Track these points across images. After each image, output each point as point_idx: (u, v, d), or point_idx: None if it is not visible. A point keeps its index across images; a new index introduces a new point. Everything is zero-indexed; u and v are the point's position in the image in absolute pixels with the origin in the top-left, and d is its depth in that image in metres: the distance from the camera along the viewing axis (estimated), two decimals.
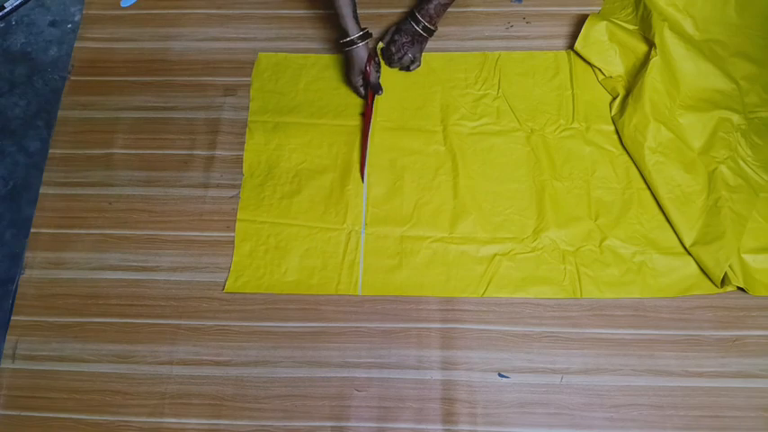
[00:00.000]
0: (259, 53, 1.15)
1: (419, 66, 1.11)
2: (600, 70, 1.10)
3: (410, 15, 1.08)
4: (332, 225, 1.00)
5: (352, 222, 1.00)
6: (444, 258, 0.98)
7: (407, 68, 1.12)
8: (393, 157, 1.05)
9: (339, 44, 1.04)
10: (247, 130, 1.08)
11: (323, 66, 1.13)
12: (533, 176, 1.03)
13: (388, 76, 1.12)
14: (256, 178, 1.04)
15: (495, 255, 0.98)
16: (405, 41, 1.08)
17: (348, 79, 1.08)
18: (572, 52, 1.12)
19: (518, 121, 1.07)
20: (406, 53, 1.09)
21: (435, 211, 1.01)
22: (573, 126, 1.07)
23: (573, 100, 1.09)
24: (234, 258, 0.98)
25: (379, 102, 1.10)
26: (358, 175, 1.04)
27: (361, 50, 1.03)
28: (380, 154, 1.06)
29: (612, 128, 1.06)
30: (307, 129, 1.08)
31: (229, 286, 0.97)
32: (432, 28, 1.08)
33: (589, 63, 1.11)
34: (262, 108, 1.10)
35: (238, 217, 1.01)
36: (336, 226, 1.00)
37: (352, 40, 1.02)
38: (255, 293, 0.96)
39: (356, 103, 1.10)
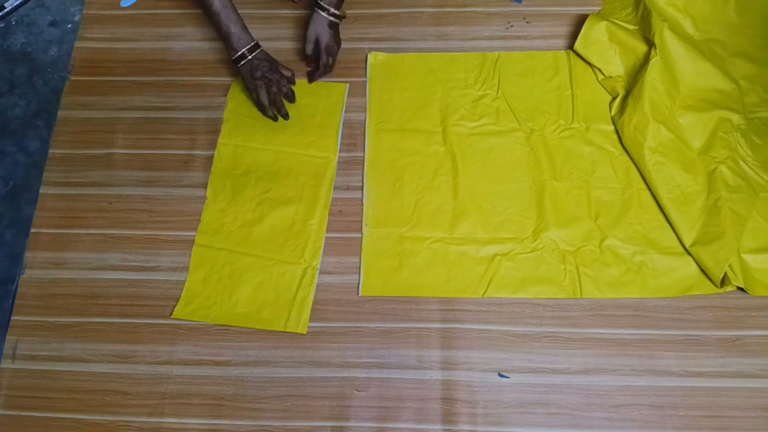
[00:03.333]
0: (233, 82, 1.12)
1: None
2: (600, 70, 1.10)
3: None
4: (288, 259, 0.98)
5: (309, 258, 0.98)
6: (444, 259, 0.98)
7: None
8: (393, 157, 1.05)
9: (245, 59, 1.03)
10: (216, 152, 1.06)
11: (302, 92, 1.10)
12: (533, 176, 1.03)
13: (387, 77, 1.12)
14: (220, 203, 1.02)
15: (496, 255, 0.98)
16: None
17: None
18: (572, 52, 1.12)
19: (518, 121, 1.07)
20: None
21: (435, 212, 1.01)
22: (573, 126, 1.07)
23: (572, 100, 1.09)
24: (186, 284, 0.96)
25: (379, 103, 1.10)
26: (323, 209, 1.01)
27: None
28: (380, 155, 1.05)
29: (612, 128, 1.06)
30: (276, 156, 1.06)
31: (177, 312, 0.94)
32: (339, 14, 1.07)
33: (589, 63, 1.11)
34: (234, 131, 1.08)
35: (196, 241, 0.99)
36: (293, 260, 0.98)
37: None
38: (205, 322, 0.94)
39: (330, 134, 1.07)
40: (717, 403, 0.87)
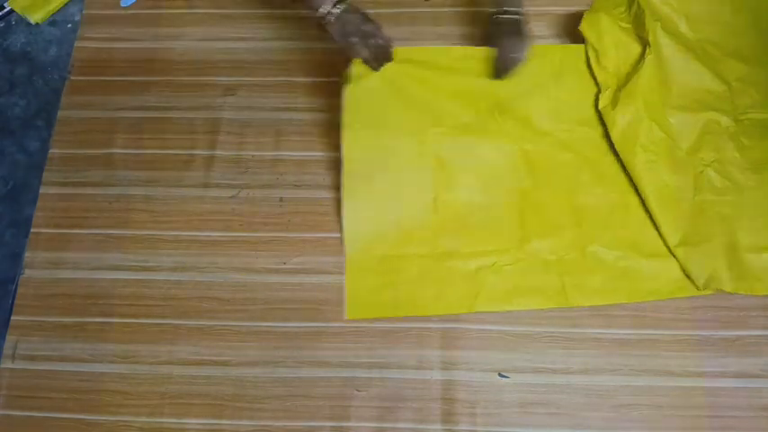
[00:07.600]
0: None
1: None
2: (597, 55, 1.06)
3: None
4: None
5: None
6: (429, 275, 0.95)
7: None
8: (372, 163, 0.99)
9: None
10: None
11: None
12: (515, 185, 1.00)
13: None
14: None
15: (480, 268, 0.95)
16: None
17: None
18: (555, 57, 1.08)
19: (500, 126, 1.03)
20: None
21: (416, 226, 0.97)
22: (555, 132, 1.04)
23: (556, 105, 1.05)
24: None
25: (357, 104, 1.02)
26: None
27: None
28: (359, 158, 0.99)
29: (595, 132, 1.03)
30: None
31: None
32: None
33: (586, 55, 1.07)
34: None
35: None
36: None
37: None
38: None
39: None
40: (717, 403, 0.88)
